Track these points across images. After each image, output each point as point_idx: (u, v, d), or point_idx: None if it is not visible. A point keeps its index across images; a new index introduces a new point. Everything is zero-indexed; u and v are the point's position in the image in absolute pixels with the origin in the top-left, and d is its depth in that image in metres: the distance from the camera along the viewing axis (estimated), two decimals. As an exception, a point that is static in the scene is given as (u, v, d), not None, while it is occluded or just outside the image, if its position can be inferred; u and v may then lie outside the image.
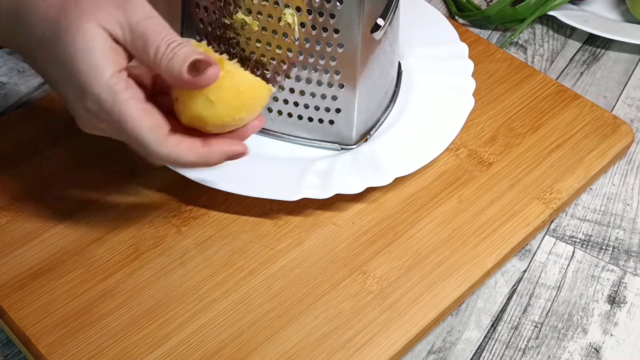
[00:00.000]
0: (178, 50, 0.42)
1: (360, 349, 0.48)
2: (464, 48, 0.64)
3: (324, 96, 0.55)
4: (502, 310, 0.54)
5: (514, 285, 0.55)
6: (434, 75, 0.62)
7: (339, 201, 0.55)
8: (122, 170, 0.57)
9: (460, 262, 0.53)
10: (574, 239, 0.58)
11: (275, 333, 0.48)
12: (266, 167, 0.55)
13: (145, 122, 0.43)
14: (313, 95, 0.55)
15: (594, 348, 0.52)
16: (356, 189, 0.54)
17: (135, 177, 0.56)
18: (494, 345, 0.52)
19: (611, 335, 0.53)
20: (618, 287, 0.55)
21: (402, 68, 0.63)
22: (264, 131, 0.58)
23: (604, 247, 0.58)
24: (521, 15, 0.74)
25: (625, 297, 0.55)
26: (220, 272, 0.51)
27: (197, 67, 0.42)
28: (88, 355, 0.47)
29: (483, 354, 0.51)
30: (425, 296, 0.51)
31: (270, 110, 0.57)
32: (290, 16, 0.51)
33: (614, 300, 0.55)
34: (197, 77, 0.42)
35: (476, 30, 0.76)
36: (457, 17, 0.77)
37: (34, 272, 0.51)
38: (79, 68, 0.42)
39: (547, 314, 0.54)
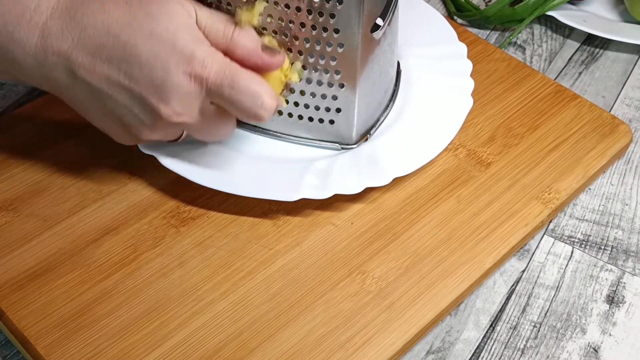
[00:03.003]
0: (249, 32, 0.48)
1: (359, 349, 0.48)
2: (462, 48, 0.64)
3: (324, 96, 0.55)
4: (501, 310, 0.54)
5: (513, 285, 0.55)
6: (432, 75, 0.62)
7: (337, 201, 0.55)
8: (121, 170, 0.57)
9: (459, 262, 0.53)
10: (573, 239, 0.58)
11: (274, 333, 0.48)
12: (265, 168, 0.55)
13: (256, 75, 0.47)
14: (313, 95, 0.55)
15: (593, 348, 0.52)
16: (355, 189, 0.54)
17: (134, 178, 0.56)
18: (492, 345, 0.52)
19: (610, 335, 0.53)
20: (617, 287, 0.55)
21: (401, 68, 0.63)
22: (263, 131, 0.58)
23: (602, 247, 0.58)
24: (520, 15, 0.74)
25: (624, 297, 0.55)
26: (219, 273, 0.51)
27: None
28: (87, 355, 0.47)
29: (482, 354, 0.51)
30: (424, 296, 0.51)
31: (269, 110, 0.57)
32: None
33: (613, 300, 0.55)
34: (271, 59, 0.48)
35: (475, 30, 0.76)
36: (455, 17, 0.77)
37: (33, 273, 0.51)
38: (182, 37, 0.45)
39: (545, 314, 0.54)
